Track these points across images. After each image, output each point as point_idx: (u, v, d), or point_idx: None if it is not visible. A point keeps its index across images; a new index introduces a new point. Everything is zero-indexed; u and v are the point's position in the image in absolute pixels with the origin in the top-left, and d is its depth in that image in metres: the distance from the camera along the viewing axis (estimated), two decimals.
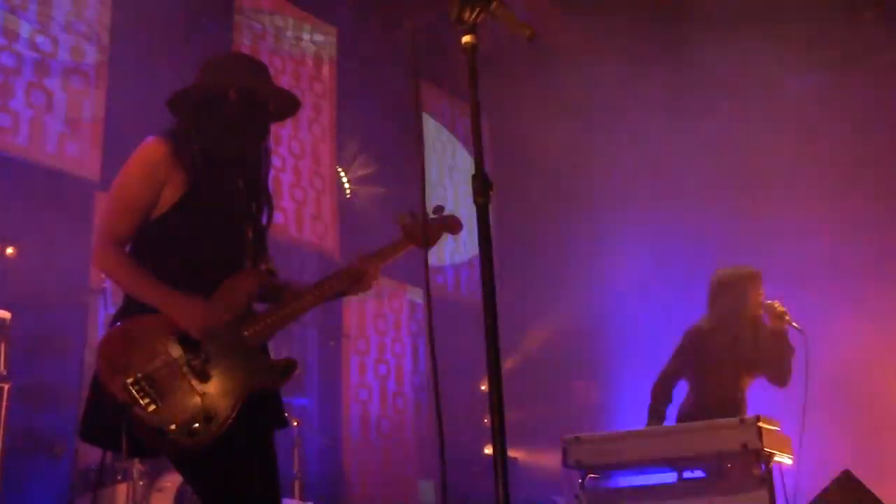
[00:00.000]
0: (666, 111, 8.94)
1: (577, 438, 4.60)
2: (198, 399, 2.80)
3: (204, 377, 2.83)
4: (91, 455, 5.56)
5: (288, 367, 3.04)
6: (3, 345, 5.14)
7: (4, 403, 5.00)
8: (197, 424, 2.76)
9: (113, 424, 2.75)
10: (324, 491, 7.54)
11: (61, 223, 6.22)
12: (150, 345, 2.84)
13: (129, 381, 2.75)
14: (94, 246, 3.01)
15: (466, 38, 2.12)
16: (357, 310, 9.12)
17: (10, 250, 6.17)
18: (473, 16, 2.11)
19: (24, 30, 6.54)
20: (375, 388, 9.11)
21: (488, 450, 8.39)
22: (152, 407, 2.73)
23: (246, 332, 2.96)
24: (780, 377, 5.29)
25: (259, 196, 3.24)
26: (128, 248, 3.01)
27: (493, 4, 2.11)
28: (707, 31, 8.24)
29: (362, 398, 8.95)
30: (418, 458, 9.46)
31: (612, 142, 9.48)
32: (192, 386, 2.81)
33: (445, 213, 3.40)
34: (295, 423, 6.58)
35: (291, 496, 6.37)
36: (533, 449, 9.33)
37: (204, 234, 3.03)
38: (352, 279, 3.20)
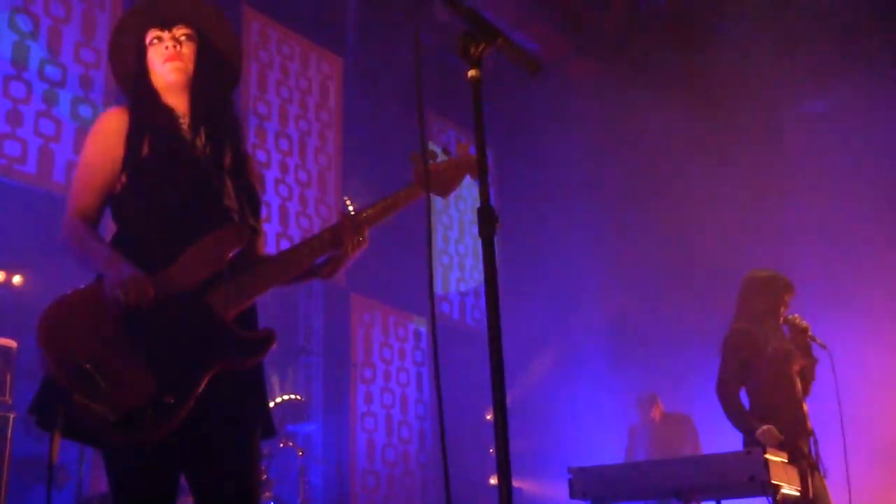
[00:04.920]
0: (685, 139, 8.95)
1: (583, 469, 4.59)
2: (149, 383, 2.37)
3: (155, 355, 2.40)
4: (96, 484, 5.55)
5: (264, 339, 2.56)
6: (8, 374, 5.13)
7: (10, 433, 4.99)
8: (150, 412, 2.34)
9: (65, 412, 2.35)
10: None
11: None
12: (95, 318, 2.45)
13: (70, 362, 2.35)
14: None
15: (472, 73, 2.12)
16: (363, 338, 9.11)
17: (16, 279, 6.19)
18: (479, 50, 2.12)
19: (35, 58, 6.60)
20: (381, 417, 9.08)
21: (493, 480, 8.34)
22: (94, 394, 2.32)
23: (210, 299, 2.51)
24: (806, 390, 5.11)
25: (215, 134, 2.78)
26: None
27: (499, 40, 2.12)
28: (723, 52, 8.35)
29: (368, 427, 8.92)
30: (423, 487, 9.41)
31: (627, 161, 9.52)
32: (141, 366, 2.39)
33: (459, 155, 3.00)
34: (300, 453, 6.55)
35: None
36: (538, 479, 9.27)
37: (165, 191, 2.63)
38: (337, 233, 2.77)
